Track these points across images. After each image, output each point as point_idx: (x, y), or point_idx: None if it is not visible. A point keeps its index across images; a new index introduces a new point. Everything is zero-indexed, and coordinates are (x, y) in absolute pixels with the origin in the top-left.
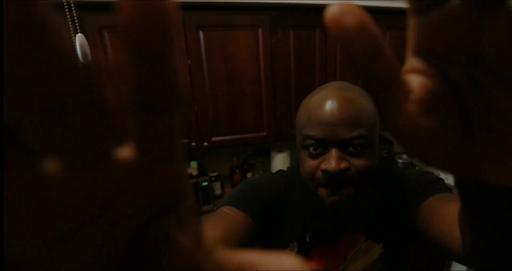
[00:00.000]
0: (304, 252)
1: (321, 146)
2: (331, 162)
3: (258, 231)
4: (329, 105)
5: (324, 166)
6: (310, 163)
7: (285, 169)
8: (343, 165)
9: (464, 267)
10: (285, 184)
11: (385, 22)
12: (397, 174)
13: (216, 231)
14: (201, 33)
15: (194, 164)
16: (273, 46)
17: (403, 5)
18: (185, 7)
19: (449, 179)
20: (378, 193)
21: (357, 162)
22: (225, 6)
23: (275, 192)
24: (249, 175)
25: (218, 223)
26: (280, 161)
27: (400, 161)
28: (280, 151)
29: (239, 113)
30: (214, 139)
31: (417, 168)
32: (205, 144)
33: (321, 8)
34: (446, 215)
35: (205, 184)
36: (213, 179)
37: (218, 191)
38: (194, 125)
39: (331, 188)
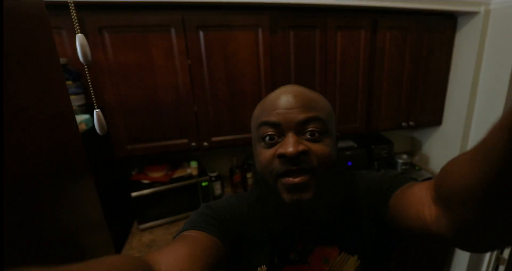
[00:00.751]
0: None
1: (277, 134)
2: (288, 145)
3: (226, 253)
4: (284, 96)
5: (281, 150)
6: (266, 154)
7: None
8: (301, 147)
9: (464, 267)
10: (248, 203)
11: (385, 22)
12: (360, 178)
13: (180, 251)
14: (201, 33)
15: (194, 164)
16: (273, 46)
17: (403, 5)
18: (185, 7)
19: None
20: (343, 196)
21: (316, 147)
22: (225, 6)
23: (239, 212)
24: (249, 175)
25: (181, 244)
26: None
27: (400, 161)
28: None
29: (239, 113)
30: (214, 139)
31: (417, 167)
32: (205, 144)
33: (321, 8)
34: (412, 200)
35: (205, 184)
36: (213, 179)
37: (218, 191)
38: (194, 125)
39: (290, 177)
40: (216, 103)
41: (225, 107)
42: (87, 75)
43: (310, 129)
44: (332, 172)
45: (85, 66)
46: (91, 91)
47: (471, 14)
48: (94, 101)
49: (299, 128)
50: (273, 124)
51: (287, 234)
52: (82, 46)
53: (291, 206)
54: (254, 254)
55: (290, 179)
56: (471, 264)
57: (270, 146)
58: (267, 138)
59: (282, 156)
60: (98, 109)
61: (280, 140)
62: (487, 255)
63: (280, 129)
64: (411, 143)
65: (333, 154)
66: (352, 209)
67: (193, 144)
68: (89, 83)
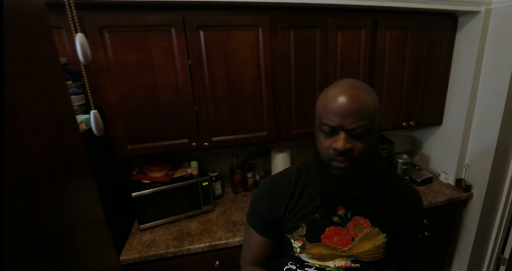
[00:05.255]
0: (316, 231)
1: (333, 131)
2: (340, 142)
3: (275, 240)
4: (340, 100)
5: (335, 145)
6: (325, 143)
7: (284, 169)
8: (348, 145)
9: (464, 267)
10: (297, 175)
11: (385, 22)
12: (401, 181)
13: (253, 254)
14: (201, 33)
15: (194, 164)
16: (273, 46)
17: (403, 5)
18: (185, 7)
19: (449, 179)
20: (374, 177)
21: (358, 145)
22: (225, 6)
23: (281, 192)
24: (249, 174)
25: (251, 250)
26: (280, 161)
27: (400, 160)
28: (281, 151)
29: (239, 113)
30: (214, 139)
31: (417, 167)
32: (206, 144)
33: (321, 8)
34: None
35: (205, 184)
36: (213, 178)
37: (218, 191)
38: (194, 125)
39: (337, 162)
40: (217, 103)
41: (226, 107)
42: (84, 75)
43: (356, 132)
44: (367, 159)
45: (82, 66)
46: (88, 91)
47: (471, 14)
48: (91, 101)
49: (349, 131)
50: (331, 127)
51: (331, 200)
52: (82, 46)
53: (338, 173)
54: (296, 217)
55: (337, 163)
56: (471, 264)
57: (328, 137)
58: (326, 132)
59: (335, 149)
60: (95, 110)
61: (334, 134)
62: (488, 255)
63: (335, 129)
64: (411, 143)
65: (370, 147)
66: (388, 199)
67: (194, 143)
68: (86, 83)
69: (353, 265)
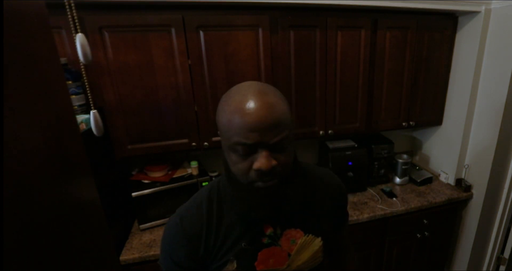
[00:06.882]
0: (248, 260)
1: (251, 151)
2: (263, 161)
3: None
4: (255, 111)
5: (258, 165)
6: (243, 165)
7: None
8: (273, 162)
9: (464, 267)
10: (207, 204)
11: (385, 22)
12: (311, 172)
13: None
14: (201, 33)
15: (194, 164)
16: (273, 46)
17: (403, 5)
18: (185, 7)
19: (449, 179)
20: (301, 187)
21: (282, 158)
22: (225, 6)
23: (198, 228)
24: None
25: None
26: None
27: (400, 160)
28: None
29: None
30: (214, 139)
31: (417, 167)
32: (205, 144)
33: (321, 8)
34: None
35: (205, 184)
36: (213, 178)
37: None
38: (194, 125)
39: (261, 182)
40: (217, 103)
41: None
42: (84, 74)
43: (279, 146)
44: (290, 170)
45: (82, 66)
46: (88, 91)
47: (471, 14)
48: (91, 101)
49: (271, 146)
50: (250, 145)
51: (255, 222)
52: (82, 46)
53: (263, 193)
54: (221, 252)
55: (261, 184)
56: (471, 264)
57: (245, 157)
58: (242, 153)
59: (259, 170)
60: (95, 110)
61: (253, 152)
62: (488, 255)
63: (254, 147)
64: (411, 143)
65: (292, 156)
66: (317, 199)
67: (194, 143)
68: (86, 82)
69: None
